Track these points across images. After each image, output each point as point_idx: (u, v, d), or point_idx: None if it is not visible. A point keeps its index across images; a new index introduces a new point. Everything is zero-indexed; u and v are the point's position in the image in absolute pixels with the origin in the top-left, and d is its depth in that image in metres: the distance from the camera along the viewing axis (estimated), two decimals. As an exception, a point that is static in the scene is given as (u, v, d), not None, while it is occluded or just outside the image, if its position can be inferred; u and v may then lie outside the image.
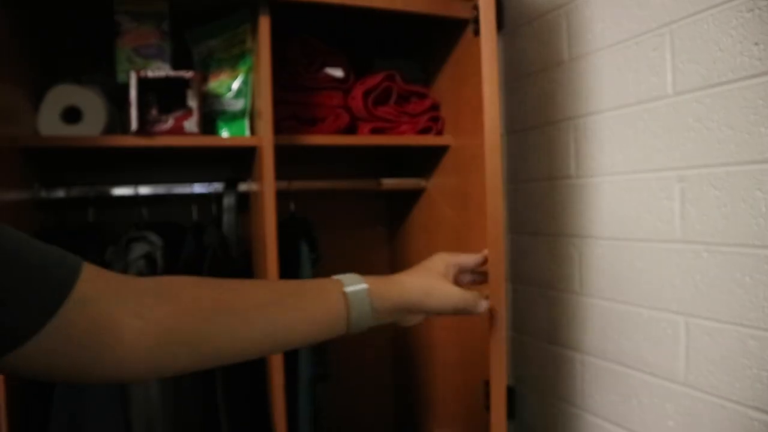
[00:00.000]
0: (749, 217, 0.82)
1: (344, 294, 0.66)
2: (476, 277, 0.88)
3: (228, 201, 1.24)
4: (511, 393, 1.37)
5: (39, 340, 0.44)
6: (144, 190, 1.18)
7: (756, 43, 0.80)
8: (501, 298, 0.86)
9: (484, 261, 0.87)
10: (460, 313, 0.75)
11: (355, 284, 0.67)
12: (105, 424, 0.99)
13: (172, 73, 1.10)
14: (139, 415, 1.02)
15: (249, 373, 1.19)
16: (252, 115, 1.19)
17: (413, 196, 1.47)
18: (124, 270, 1.07)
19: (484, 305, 0.78)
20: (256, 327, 0.59)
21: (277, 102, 1.16)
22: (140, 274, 1.06)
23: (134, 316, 0.51)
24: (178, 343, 0.54)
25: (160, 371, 0.55)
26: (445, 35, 1.26)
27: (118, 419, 0.99)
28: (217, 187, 1.25)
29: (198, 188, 1.23)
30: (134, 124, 1.06)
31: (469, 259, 0.84)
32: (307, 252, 1.22)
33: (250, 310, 0.59)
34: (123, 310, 0.51)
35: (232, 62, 1.20)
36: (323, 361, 1.22)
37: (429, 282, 0.74)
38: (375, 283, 0.69)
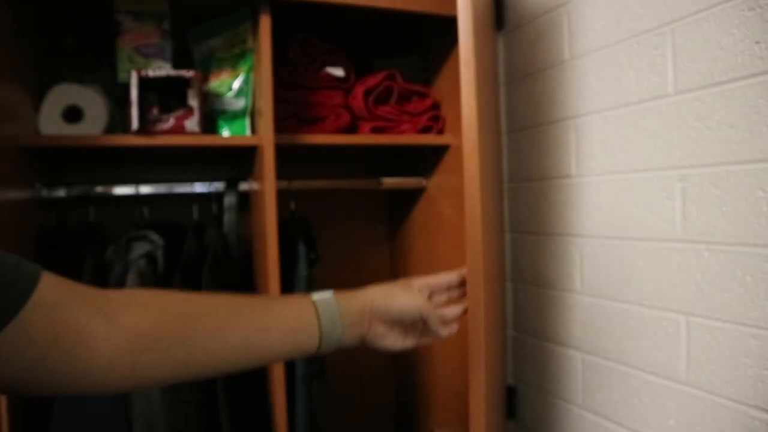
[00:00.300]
0: (750, 216, 0.82)
1: (312, 301, 0.67)
2: (452, 294, 0.85)
3: (229, 200, 1.24)
4: (511, 392, 1.37)
5: None
6: (145, 189, 1.18)
7: (757, 42, 0.80)
8: (479, 300, 0.85)
9: (461, 281, 0.85)
10: (427, 324, 0.75)
11: (321, 294, 0.69)
12: (106, 424, 0.99)
13: (172, 72, 1.10)
14: (140, 415, 1.02)
15: (249, 371, 1.19)
16: (253, 114, 1.19)
17: (414, 195, 1.46)
18: (126, 269, 1.07)
19: (445, 331, 0.77)
20: (228, 331, 0.58)
21: (278, 101, 1.16)
22: (141, 273, 1.06)
23: (102, 323, 0.49)
24: (148, 350, 0.52)
25: (131, 381, 0.52)
26: (445, 34, 1.26)
27: (118, 419, 0.99)
28: (217, 186, 1.25)
29: (199, 188, 1.24)
30: (135, 124, 1.06)
31: (442, 278, 0.83)
32: (304, 252, 1.22)
33: (221, 313, 0.58)
34: (89, 317, 0.49)
35: (232, 61, 1.20)
36: (317, 360, 1.22)
37: (392, 287, 0.75)
38: (339, 292, 0.70)
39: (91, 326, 0.49)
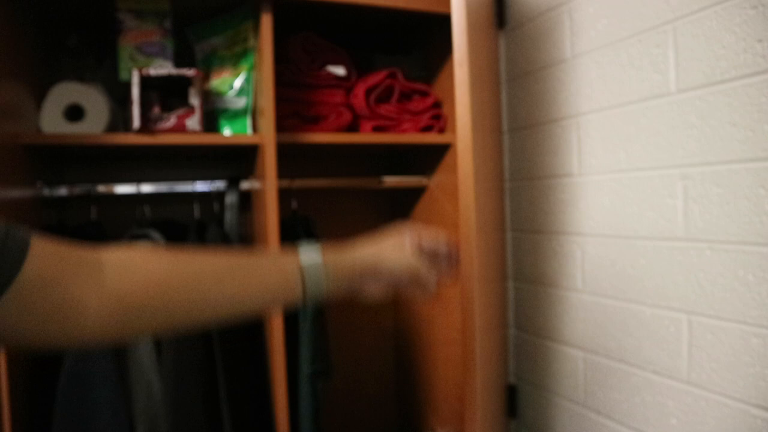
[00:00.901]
0: (752, 214, 0.82)
1: (300, 267, 0.67)
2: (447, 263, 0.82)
3: (230, 199, 1.24)
4: (513, 391, 1.37)
5: None
6: (146, 188, 1.18)
7: (759, 40, 0.80)
8: (473, 297, 0.85)
9: (451, 252, 0.82)
10: (415, 282, 0.75)
11: (309, 255, 0.69)
12: (108, 422, 0.99)
13: (174, 71, 1.10)
14: (142, 413, 1.02)
15: (251, 369, 1.19)
16: (254, 113, 1.19)
17: (415, 193, 1.46)
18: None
19: (433, 291, 0.76)
20: (211, 302, 0.61)
21: (279, 100, 1.16)
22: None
23: (93, 294, 0.53)
24: (134, 317, 0.56)
25: (119, 338, 0.57)
26: (445, 32, 1.26)
27: (120, 417, 1.00)
28: (219, 185, 1.25)
29: (200, 186, 1.24)
30: (136, 122, 1.06)
31: (433, 243, 0.80)
32: (308, 250, 1.22)
33: (205, 284, 0.61)
34: (81, 289, 0.52)
35: (234, 60, 1.20)
36: (324, 358, 1.22)
37: (382, 246, 0.75)
38: (328, 250, 0.71)
39: (83, 299, 0.52)
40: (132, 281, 0.56)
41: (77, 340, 0.54)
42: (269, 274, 0.66)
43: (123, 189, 1.18)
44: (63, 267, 0.52)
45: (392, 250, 0.74)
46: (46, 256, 0.50)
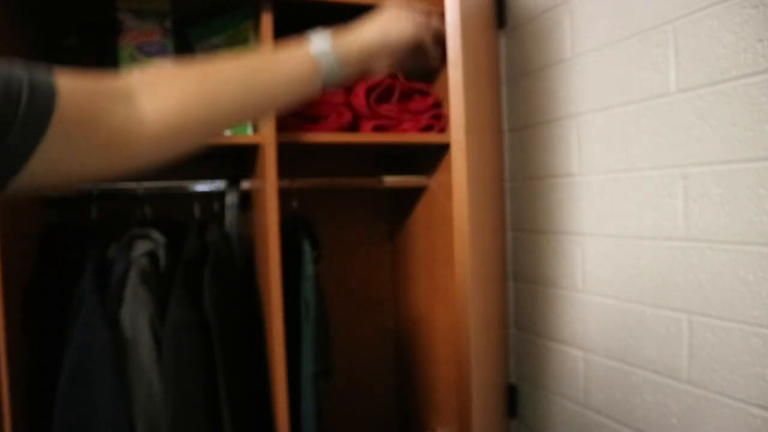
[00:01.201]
0: (753, 214, 0.82)
1: (312, 58, 0.70)
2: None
3: (230, 199, 1.24)
4: (513, 391, 1.37)
5: (39, 154, 0.46)
6: (146, 187, 1.18)
7: (760, 40, 0.79)
8: (468, 298, 0.86)
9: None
10: (419, 50, 0.82)
11: (320, 43, 0.72)
12: (108, 422, 0.99)
13: (174, 70, 1.10)
14: (143, 413, 1.02)
15: (252, 369, 1.19)
16: (254, 112, 1.19)
17: (416, 193, 1.46)
18: (128, 267, 1.07)
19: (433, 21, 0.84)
20: (243, 104, 0.65)
21: (280, 100, 1.16)
22: (143, 271, 1.06)
23: (134, 120, 0.54)
24: (178, 137, 0.59)
25: (177, 153, 0.61)
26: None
27: (121, 417, 1.00)
28: (219, 184, 1.25)
29: (200, 186, 1.24)
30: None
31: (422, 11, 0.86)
32: (309, 250, 1.22)
33: (236, 90, 0.64)
34: (122, 119, 0.53)
35: (234, 60, 1.20)
36: (326, 357, 1.22)
37: (385, 24, 0.79)
38: (337, 36, 0.74)
39: (127, 129, 0.54)
40: (167, 100, 0.58)
41: (132, 167, 0.56)
42: (288, 69, 0.69)
43: (123, 188, 1.19)
44: (97, 104, 0.52)
45: (394, 22, 0.79)
46: (77, 99, 0.50)
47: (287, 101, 0.70)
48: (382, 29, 0.77)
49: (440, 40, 0.85)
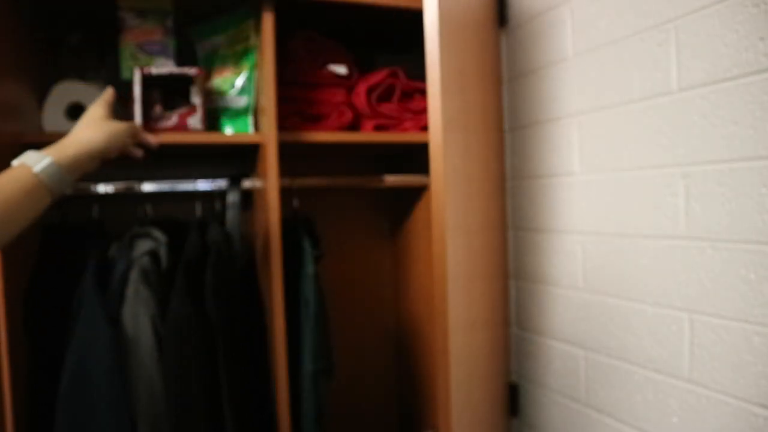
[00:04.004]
0: (754, 213, 0.82)
1: (37, 178, 0.76)
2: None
3: (231, 198, 1.24)
4: (514, 389, 1.37)
5: None
6: (148, 186, 1.18)
7: (762, 39, 0.79)
8: (445, 296, 0.86)
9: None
10: (130, 138, 0.97)
11: (40, 162, 0.78)
12: (110, 421, 0.99)
13: (176, 69, 1.11)
14: (144, 412, 1.02)
15: (253, 368, 1.19)
16: (256, 111, 1.19)
17: (416, 192, 1.47)
18: (129, 267, 1.07)
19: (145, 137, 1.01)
20: None
21: (281, 99, 1.16)
22: (145, 270, 1.06)
23: None
24: None
25: None
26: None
27: (122, 416, 1.00)
28: (220, 183, 1.25)
29: (202, 185, 1.24)
30: (138, 121, 1.06)
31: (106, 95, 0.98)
32: (310, 249, 1.22)
33: None
34: None
35: (235, 59, 1.20)
36: (327, 356, 1.22)
37: (90, 133, 0.89)
38: (52, 151, 0.81)
39: None
40: None
41: None
42: (13, 190, 0.73)
43: (124, 187, 1.19)
44: None
45: (100, 132, 0.89)
46: None
47: (21, 221, 0.74)
48: (92, 143, 0.87)
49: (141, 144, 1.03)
